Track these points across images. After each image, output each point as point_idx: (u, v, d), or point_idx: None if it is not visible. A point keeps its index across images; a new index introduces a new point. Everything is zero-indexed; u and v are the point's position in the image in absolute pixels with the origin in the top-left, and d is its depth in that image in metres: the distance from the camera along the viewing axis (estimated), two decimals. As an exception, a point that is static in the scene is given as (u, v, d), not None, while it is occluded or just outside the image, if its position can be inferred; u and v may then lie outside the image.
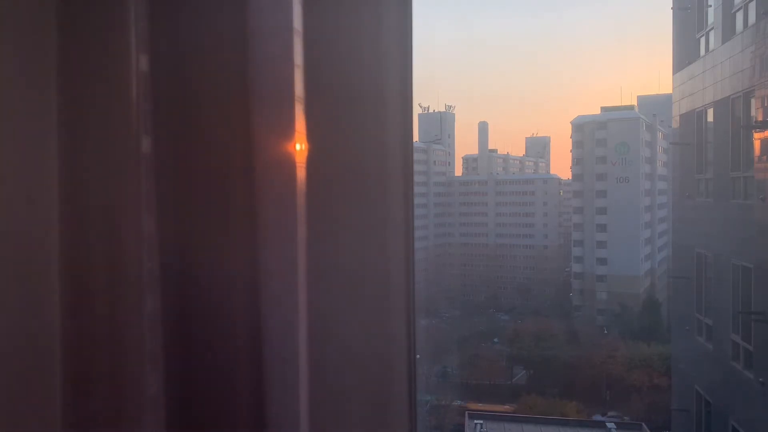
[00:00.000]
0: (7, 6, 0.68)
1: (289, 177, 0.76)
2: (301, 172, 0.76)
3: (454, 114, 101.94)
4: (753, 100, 13.19)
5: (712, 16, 15.77)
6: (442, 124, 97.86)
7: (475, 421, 25.39)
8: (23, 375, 0.70)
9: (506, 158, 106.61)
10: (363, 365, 0.87)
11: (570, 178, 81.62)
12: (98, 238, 0.71)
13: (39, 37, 0.69)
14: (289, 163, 0.76)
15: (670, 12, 18.44)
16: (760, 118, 12.76)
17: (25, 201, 0.70)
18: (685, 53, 17.50)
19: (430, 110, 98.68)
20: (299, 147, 0.76)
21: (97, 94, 0.71)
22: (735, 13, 14.28)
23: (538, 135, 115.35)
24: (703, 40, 16.41)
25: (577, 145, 77.07)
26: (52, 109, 0.70)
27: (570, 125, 78.53)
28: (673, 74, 18.28)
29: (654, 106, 75.38)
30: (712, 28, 15.70)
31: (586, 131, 76.35)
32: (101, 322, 0.72)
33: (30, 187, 0.71)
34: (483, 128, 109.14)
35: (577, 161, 77.44)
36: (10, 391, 0.70)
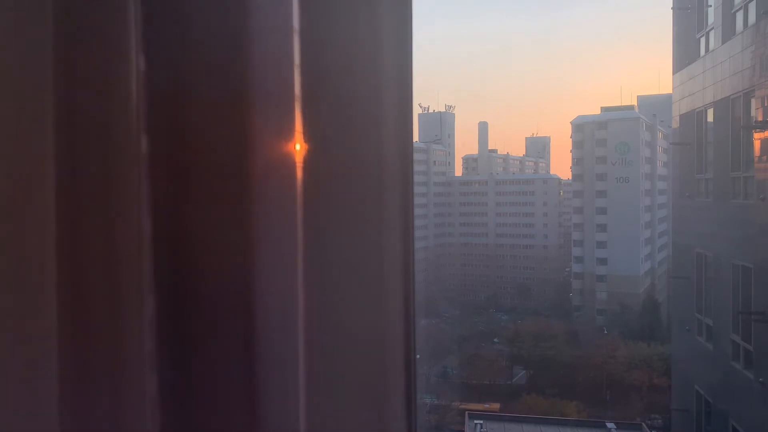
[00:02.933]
0: (1, 2, 0.68)
1: (288, 177, 0.75)
2: (299, 173, 0.76)
3: (454, 114, 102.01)
4: (753, 100, 13.19)
5: (712, 16, 15.77)
6: (442, 124, 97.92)
7: (475, 421, 25.39)
8: (19, 377, 0.70)
9: (506, 158, 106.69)
10: (362, 365, 0.87)
11: (570, 178, 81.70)
12: (95, 239, 0.71)
13: (34, 32, 0.69)
14: (288, 164, 0.76)
15: (670, 12, 18.45)
16: (760, 118, 12.76)
17: (20, 201, 0.70)
18: (685, 53, 17.50)
19: (430, 110, 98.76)
20: (297, 147, 0.76)
21: (94, 93, 0.71)
22: (735, 13, 14.28)
23: (538, 135, 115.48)
24: (703, 40, 16.41)
25: (577, 145, 77.13)
26: (47, 108, 0.70)
27: (570, 125, 78.59)
28: (673, 74, 18.29)
29: (654, 106, 75.44)
30: (712, 28, 15.71)
31: (586, 131, 76.41)
32: (99, 324, 0.71)
33: (25, 187, 0.70)
34: (483, 128, 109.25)
35: (577, 161, 77.50)
36: (6, 393, 0.70)
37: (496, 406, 38.51)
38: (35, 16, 0.69)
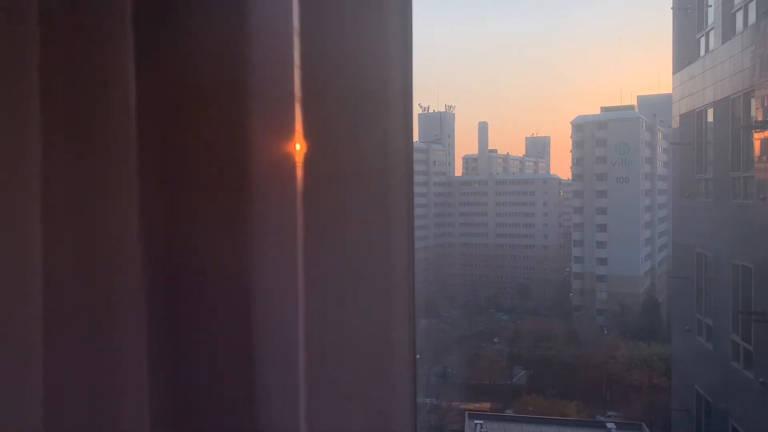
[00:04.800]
0: None
1: (288, 177, 0.75)
2: (300, 173, 0.76)
3: (454, 114, 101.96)
4: (753, 100, 13.19)
5: (712, 16, 15.77)
6: (442, 124, 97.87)
7: (475, 421, 25.37)
8: (7, 378, 0.70)
9: (506, 158, 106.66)
10: (363, 365, 0.87)
11: (570, 178, 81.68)
12: (91, 240, 0.71)
13: (23, 30, 0.68)
14: (288, 164, 0.75)
15: (670, 12, 18.45)
16: (760, 118, 12.76)
17: (13, 202, 0.70)
18: (685, 53, 17.49)
19: (430, 110, 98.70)
20: (298, 147, 0.76)
21: (93, 93, 0.71)
22: (735, 13, 14.28)
23: (538, 135, 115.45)
24: (703, 40, 16.40)
25: (577, 145, 77.10)
26: (34, 108, 0.69)
27: (570, 125, 78.58)
28: (673, 74, 18.28)
29: (654, 106, 75.36)
30: (712, 28, 15.70)
31: (586, 131, 76.39)
32: (92, 324, 0.71)
33: (18, 188, 0.70)
34: (483, 128, 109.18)
35: (577, 161, 77.46)
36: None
37: (486, 405, 38.81)
38: (30, 16, 0.69)
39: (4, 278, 0.70)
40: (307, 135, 0.77)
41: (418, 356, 0.97)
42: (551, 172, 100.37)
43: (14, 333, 0.70)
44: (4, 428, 0.70)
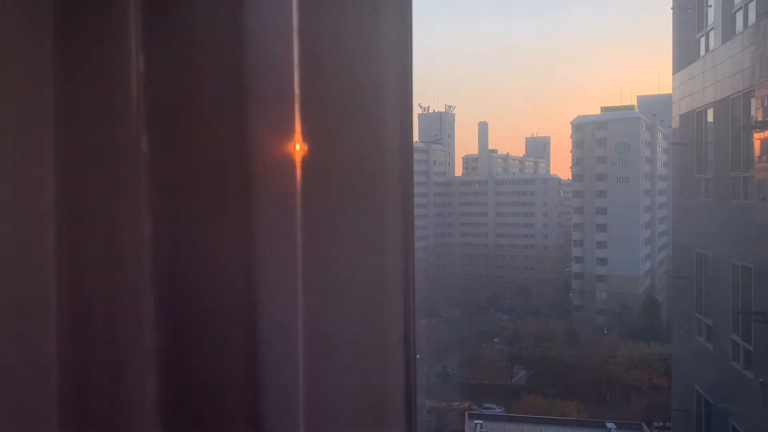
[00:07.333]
0: (2, 3, 0.68)
1: (288, 177, 0.75)
2: (299, 173, 0.76)
3: (454, 114, 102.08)
4: (753, 100, 13.19)
5: (712, 16, 15.78)
6: (442, 124, 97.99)
7: (475, 422, 25.41)
8: (19, 377, 0.70)
9: (506, 158, 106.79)
10: (362, 365, 0.87)
11: (570, 178, 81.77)
12: (95, 239, 0.71)
13: (35, 34, 0.69)
14: (288, 164, 0.76)
15: (670, 12, 18.46)
16: (760, 118, 12.77)
17: (20, 202, 0.70)
18: (685, 53, 17.51)
19: (430, 110, 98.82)
20: (297, 147, 0.76)
21: (94, 93, 0.71)
22: (735, 13, 14.28)
23: (538, 135, 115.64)
24: (703, 40, 16.42)
25: (577, 145, 77.20)
26: (47, 108, 0.69)
27: (570, 125, 78.65)
28: (673, 74, 18.30)
29: (654, 106, 75.46)
30: (712, 28, 15.71)
31: (586, 131, 76.48)
32: (98, 324, 0.71)
33: (25, 188, 0.70)
34: (483, 128, 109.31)
35: (577, 161, 77.56)
36: (5, 393, 0.70)
37: (465, 405, 39.26)
38: (36, 17, 0.69)
39: (20, 279, 0.70)
40: (306, 135, 0.77)
41: (418, 356, 0.97)
42: (551, 172, 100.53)
43: (30, 335, 0.70)
44: (17, 427, 0.70)
